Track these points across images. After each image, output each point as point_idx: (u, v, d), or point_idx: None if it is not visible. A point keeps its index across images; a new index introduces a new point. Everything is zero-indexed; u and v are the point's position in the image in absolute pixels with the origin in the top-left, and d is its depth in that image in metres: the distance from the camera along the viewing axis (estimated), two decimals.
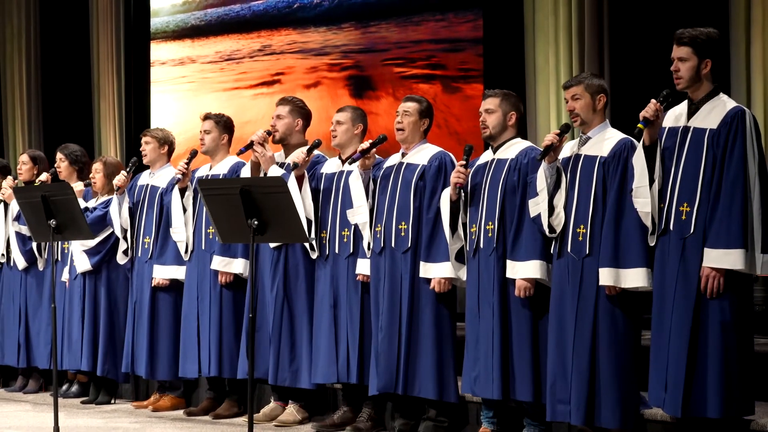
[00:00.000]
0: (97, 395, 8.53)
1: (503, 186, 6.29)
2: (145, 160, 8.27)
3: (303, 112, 7.55)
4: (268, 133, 7.37)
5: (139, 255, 8.13)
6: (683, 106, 5.64)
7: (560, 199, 5.95)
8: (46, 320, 8.80)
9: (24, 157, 9.35)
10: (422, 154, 6.82)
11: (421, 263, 6.65)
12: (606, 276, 5.72)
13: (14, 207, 8.85)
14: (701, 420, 5.48)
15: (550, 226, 5.97)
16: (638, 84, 8.43)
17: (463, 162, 6.40)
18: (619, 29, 9.14)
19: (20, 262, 8.99)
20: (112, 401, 8.52)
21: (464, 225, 6.47)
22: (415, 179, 6.73)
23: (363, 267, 6.94)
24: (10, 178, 9.18)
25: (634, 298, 5.78)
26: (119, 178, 8.06)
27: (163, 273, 7.97)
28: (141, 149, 8.28)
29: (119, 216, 8.13)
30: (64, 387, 8.83)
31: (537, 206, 6.03)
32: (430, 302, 6.66)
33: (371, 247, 6.87)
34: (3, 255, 9.16)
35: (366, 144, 6.85)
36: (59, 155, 8.92)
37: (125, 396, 8.66)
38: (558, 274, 5.99)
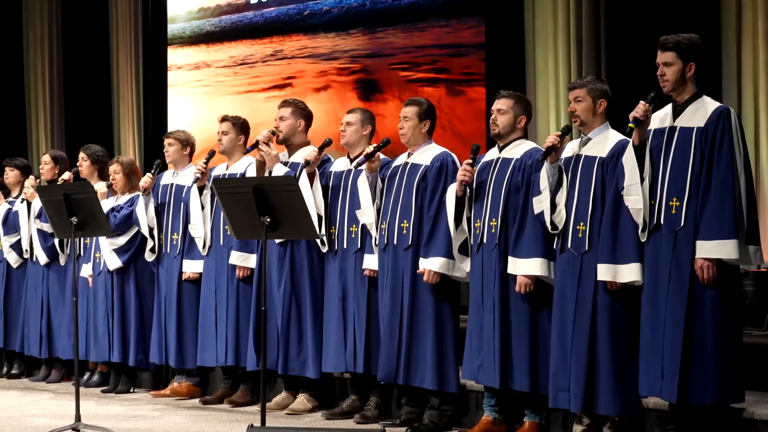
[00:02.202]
0: (116, 384, 8.55)
1: (507, 184, 6.29)
2: (168, 161, 8.28)
3: (304, 113, 7.56)
4: (273, 133, 7.40)
5: (168, 251, 8.15)
6: (668, 108, 5.67)
7: (562, 197, 5.95)
8: (68, 313, 8.81)
9: (46, 158, 9.35)
10: (426, 155, 6.82)
11: (421, 259, 6.66)
12: (604, 271, 5.73)
13: (36, 205, 8.86)
14: (695, 408, 5.49)
15: (552, 222, 5.99)
16: (633, 86, 8.42)
17: (470, 160, 6.40)
18: (615, 34, 9.14)
19: (42, 258, 9.00)
20: (132, 390, 8.54)
21: (468, 220, 6.48)
22: (417, 179, 6.74)
23: (370, 262, 6.95)
24: (32, 177, 9.19)
25: (633, 291, 5.77)
26: (145, 180, 8.07)
27: (192, 267, 7.98)
28: (164, 150, 8.29)
29: (146, 215, 8.15)
30: (86, 377, 8.84)
31: (540, 204, 6.04)
32: (430, 296, 6.66)
33: (377, 243, 6.88)
34: (27, 251, 9.18)
35: (370, 148, 6.87)
36: (81, 155, 8.93)
37: (144, 385, 8.68)
38: (560, 269, 6.00)
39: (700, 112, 5.52)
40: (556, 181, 5.99)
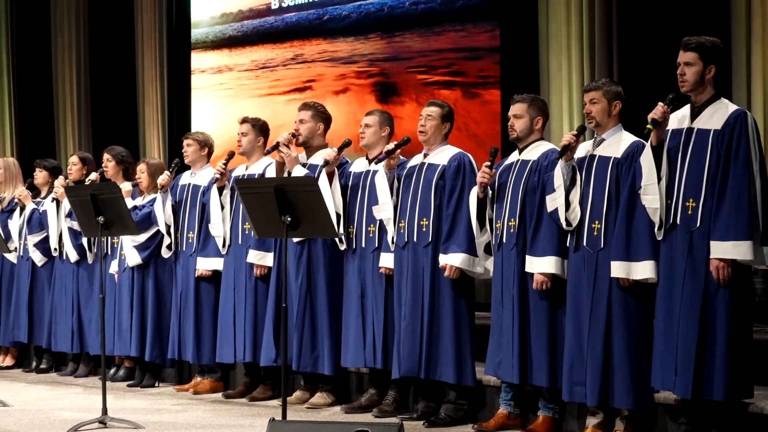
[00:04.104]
0: (142, 379, 8.57)
1: (524, 186, 6.30)
2: (186, 161, 8.31)
3: (324, 117, 7.57)
4: (293, 135, 7.40)
5: (184, 249, 8.17)
6: (686, 109, 5.64)
7: (575, 195, 5.94)
8: (96, 309, 8.83)
9: (74, 159, 9.37)
10: (443, 155, 6.83)
11: (440, 255, 6.66)
12: (617, 268, 5.72)
13: (66, 204, 8.88)
14: (704, 402, 5.47)
15: (566, 220, 5.98)
16: (645, 89, 8.39)
17: (489, 163, 6.40)
18: (627, 38, 9.10)
19: (72, 256, 9.03)
20: (156, 384, 8.55)
21: (490, 221, 6.48)
22: (435, 178, 6.74)
23: (386, 261, 6.96)
24: (61, 177, 9.21)
25: (646, 287, 5.77)
26: (163, 178, 8.10)
27: (205, 264, 8.00)
28: (183, 151, 8.32)
29: (163, 213, 8.18)
30: (112, 371, 8.86)
31: (554, 201, 6.04)
32: (449, 293, 6.67)
33: (395, 241, 6.88)
34: (56, 249, 9.20)
35: (391, 145, 6.88)
36: (106, 156, 8.96)
37: (168, 380, 8.70)
38: (575, 266, 5.99)
39: (718, 114, 5.48)
40: (570, 180, 5.98)
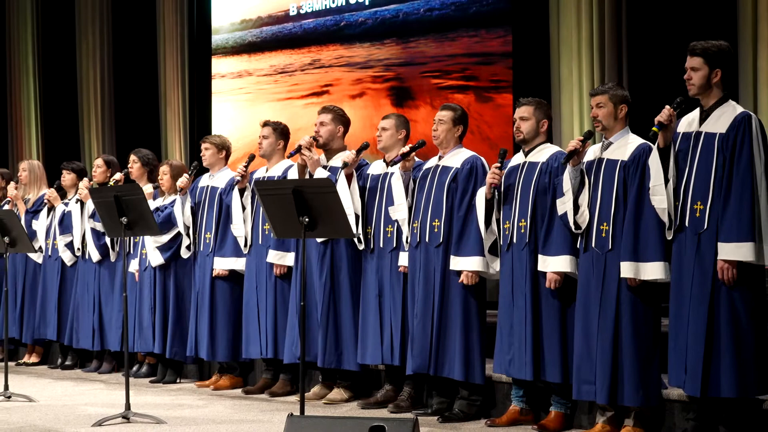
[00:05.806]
0: (164, 375, 8.59)
1: (535, 187, 6.28)
2: (204, 164, 8.33)
3: (343, 120, 7.58)
4: (314, 138, 7.42)
5: (201, 249, 8.19)
6: (695, 113, 5.62)
7: (584, 198, 5.93)
8: (117, 307, 8.86)
9: (98, 161, 9.41)
10: (456, 158, 6.82)
11: (452, 257, 6.65)
12: (626, 269, 5.70)
13: (90, 206, 8.91)
14: (717, 399, 5.45)
15: (575, 223, 5.97)
16: (654, 92, 8.39)
17: (498, 164, 6.40)
18: (636, 43, 9.10)
19: (95, 255, 9.05)
20: (178, 381, 8.57)
21: (498, 221, 6.48)
22: (448, 181, 6.74)
23: (405, 260, 6.96)
24: (86, 179, 9.26)
25: (654, 287, 5.76)
26: (182, 180, 8.12)
27: (222, 264, 8.02)
28: (201, 154, 8.34)
29: (182, 214, 8.20)
30: (135, 368, 8.88)
31: (564, 205, 6.03)
32: (459, 292, 6.65)
33: (409, 241, 6.89)
34: (79, 249, 9.23)
35: (406, 148, 6.89)
36: (132, 157, 8.98)
37: (189, 376, 8.71)
38: (584, 267, 5.98)
39: (724, 117, 5.46)
40: (578, 183, 5.98)
